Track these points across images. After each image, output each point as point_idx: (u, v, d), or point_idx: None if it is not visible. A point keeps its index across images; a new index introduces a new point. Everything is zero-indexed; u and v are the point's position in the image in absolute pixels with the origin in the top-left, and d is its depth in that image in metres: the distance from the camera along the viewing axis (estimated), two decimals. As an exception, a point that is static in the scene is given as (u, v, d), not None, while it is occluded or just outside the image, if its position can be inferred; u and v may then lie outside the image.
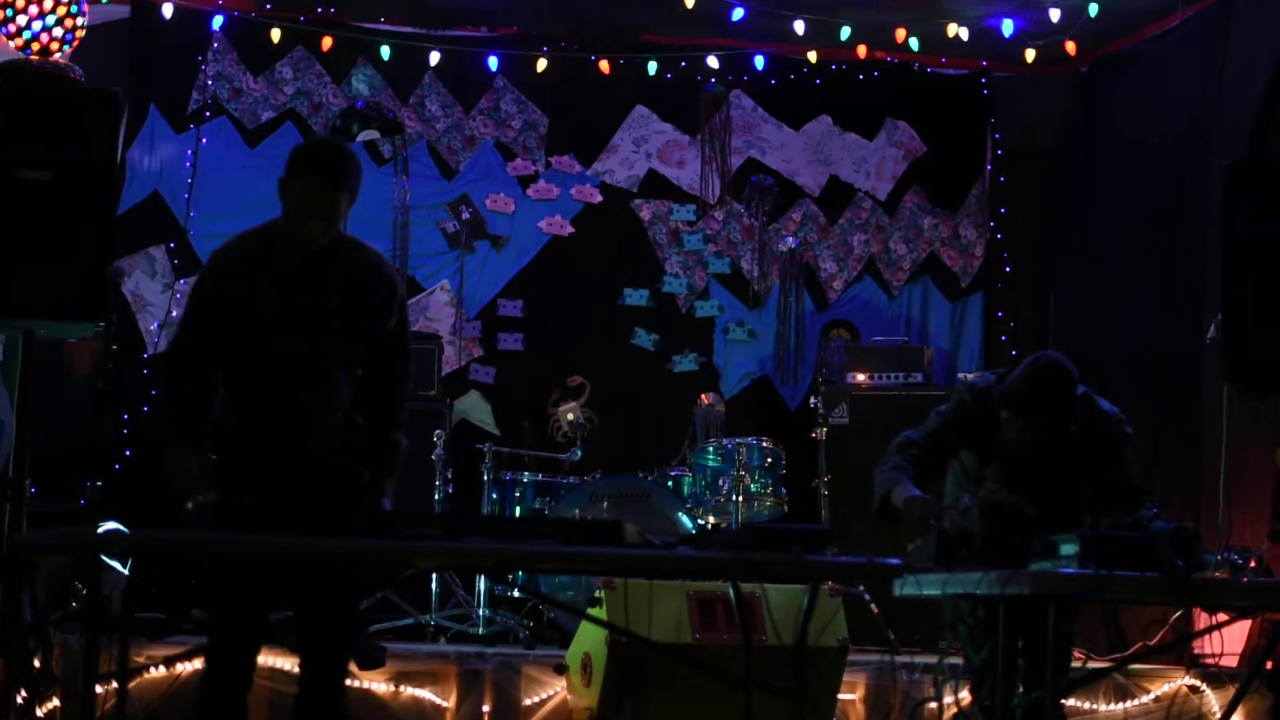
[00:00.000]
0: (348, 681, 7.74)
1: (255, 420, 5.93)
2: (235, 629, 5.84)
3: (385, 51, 11.38)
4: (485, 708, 8.00)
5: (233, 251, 6.06)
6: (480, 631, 9.30)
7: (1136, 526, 6.14)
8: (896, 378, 10.80)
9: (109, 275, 6.90)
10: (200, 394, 5.97)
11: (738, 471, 9.99)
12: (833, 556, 5.54)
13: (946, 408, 7.01)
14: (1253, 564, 8.24)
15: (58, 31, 9.70)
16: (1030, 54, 11.39)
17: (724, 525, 9.93)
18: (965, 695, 6.86)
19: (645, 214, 11.86)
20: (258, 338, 5.92)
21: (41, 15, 9.63)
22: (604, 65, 11.64)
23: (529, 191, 11.69)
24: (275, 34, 11.16)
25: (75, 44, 9.81)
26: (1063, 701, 6.73)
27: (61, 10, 9.68)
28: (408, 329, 6.29)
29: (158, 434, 6.11)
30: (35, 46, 9.65)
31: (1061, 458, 6.74)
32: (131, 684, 7.16)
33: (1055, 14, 10.80)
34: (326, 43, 11.27)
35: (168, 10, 10.86)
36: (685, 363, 11.75)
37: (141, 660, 7.47)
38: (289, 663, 7.68)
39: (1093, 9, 10.67)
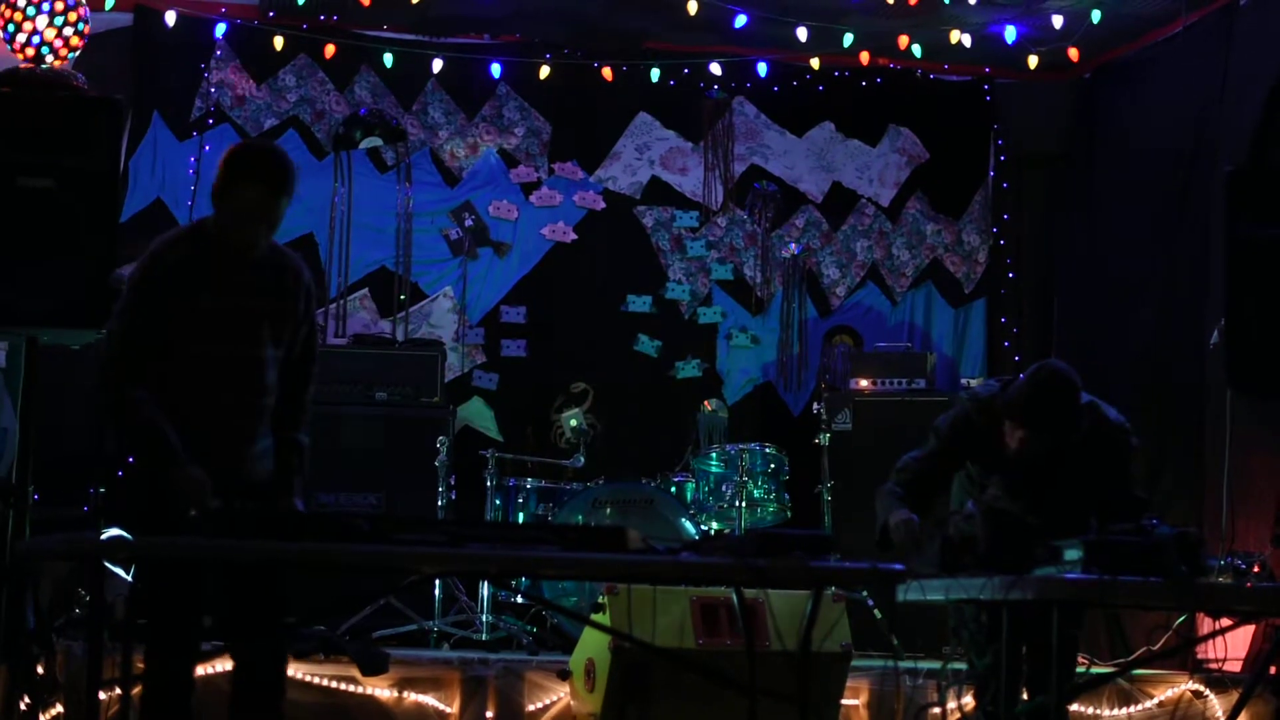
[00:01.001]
0: (353, 688, 7.81)
1: (190, 425, 5.89)
2: (180, 635, 5.81)
3: (388, 59, 11.39)
4: (489, 714, 8.00)
5: (169, 256, 6.00)
6: (483, 637, 9.29)
7: (1140, 531, 6.14)
8: (899, 384, 10.79)
9: (112, 283, 6.90)
10: (158, 405, 5.91)
11: (741, 477, 9.99)
12: (836, 562, 5.53)
13: (945, 424, 7.01)
14: (1256, 569, 8.23)
15: (61, 38, 9.71)
16: (1033, 60, 11.39)
17: (727, 531, 9.93)
18: (969, 700, 6.86)
19: (648, 220, 11.87)
20: (192, 344, 5.89)
21: (45, 22, 9.64)
22: (607, 72, 11.64)
23: (532, 198, 11.70)
24: (278, 41, 11.16)
25: (78, 51, 9.82)
26: (1068, 707, 6.73)
27: (65, 18, 9.69)
28: (317, 332, 6.27)
29: (130, 458, 6.05)
30: (38, 53, 9.66)
31: (1066, 466, 6.74)
32: (134, 690, 7.16)
33: (1058, 20, 10.80)
34: (329, 50, 11.26)
35: (170, 18, 10.87)
36: (688, 369, 11.75)
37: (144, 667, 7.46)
38: (292, 668, 7.69)
39: (1095, 16, 10.67)
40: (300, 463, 6.14)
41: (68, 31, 9.74)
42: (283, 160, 6.00)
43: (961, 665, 7.00)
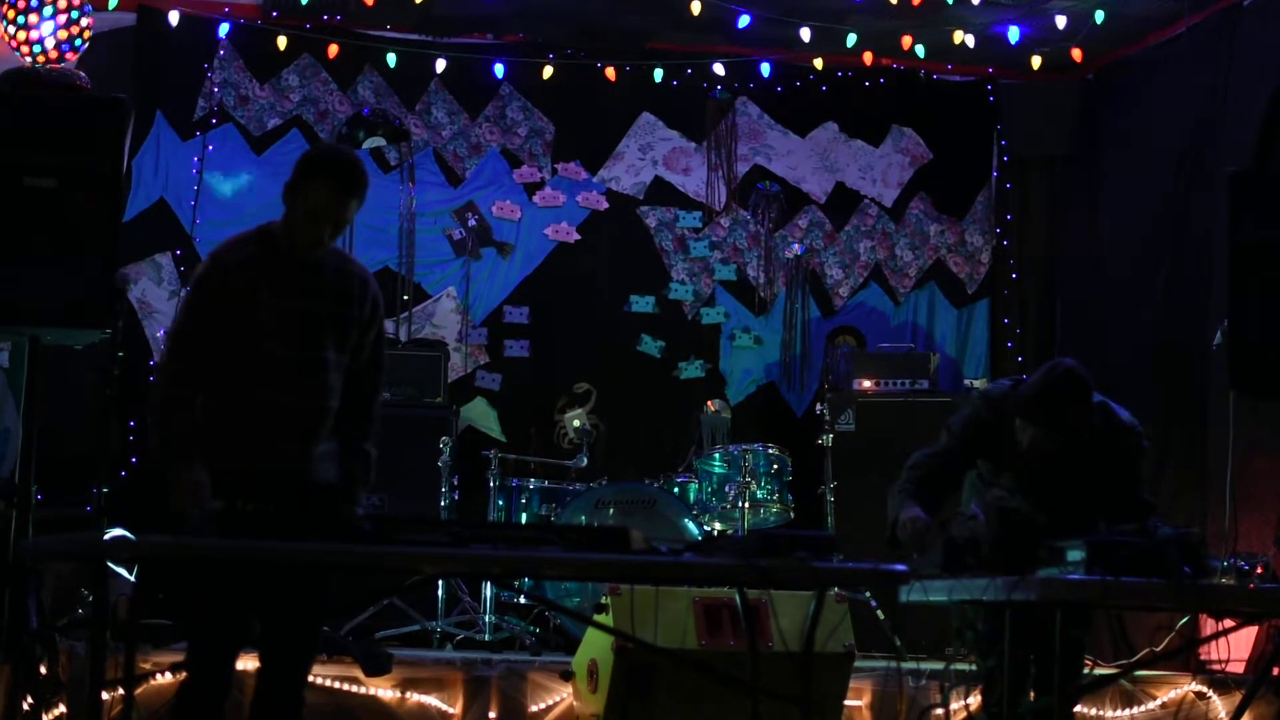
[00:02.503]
0: (356, 688, 7.81)
1: (246, 427, 5.89)
2: (218, 635, 5.80)
3: (391, 59, 11.39)
4: (491, 714, 8.00)
5: (232, 255, 6.00)
6: (486, 638, 9.30)
7: (1143, 532, 6.14)
8: (902, 384, 10.79)
9: (115, 282, 6.90)
10: (195, 407, 5.92)
11: (744, 478, 9.99)
12: (839, 563, 5.53)
13: (958, 422, 7.00)
14: (1259, 570, 8.21)
15: (64, 38, 9.72)
16: (1036, 61, 11.40)
17: (730, 531, 9.93)
18: (976, 700, 6.86)
19: (651, 221, 11.87)
20: (254, 344, 5.89)
21: (48, 23, 9.65)
22: (610, 72, 11.64)
23: (535, 198, 11.69)
24: (281, 41, 11.16)
25: (82, 51, 9.83)
26: (1073, 708, 6.74)
27: (68, 18, 9.70)
28: (385, 342, 6.26)
29: (155, 450, 6.05)
30: (42, 53, 9.67)
31: (1076, 466, 6.73)
32: (137, 690, 7.17)
33: (1061, 21, 10.81)
34: (333, 50, 11.27)
35: (174, 17, 10.88)
36: (691, 369, 11.75)
37: (148, 667, 7.48)
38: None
39: (1098, 16, 10.67)
40: (364, 472, 6.11)
41: (71, 31, 9.75)
42: (356, 163, 5.99)
43: (965, 666, 7.00)
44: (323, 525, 5.22)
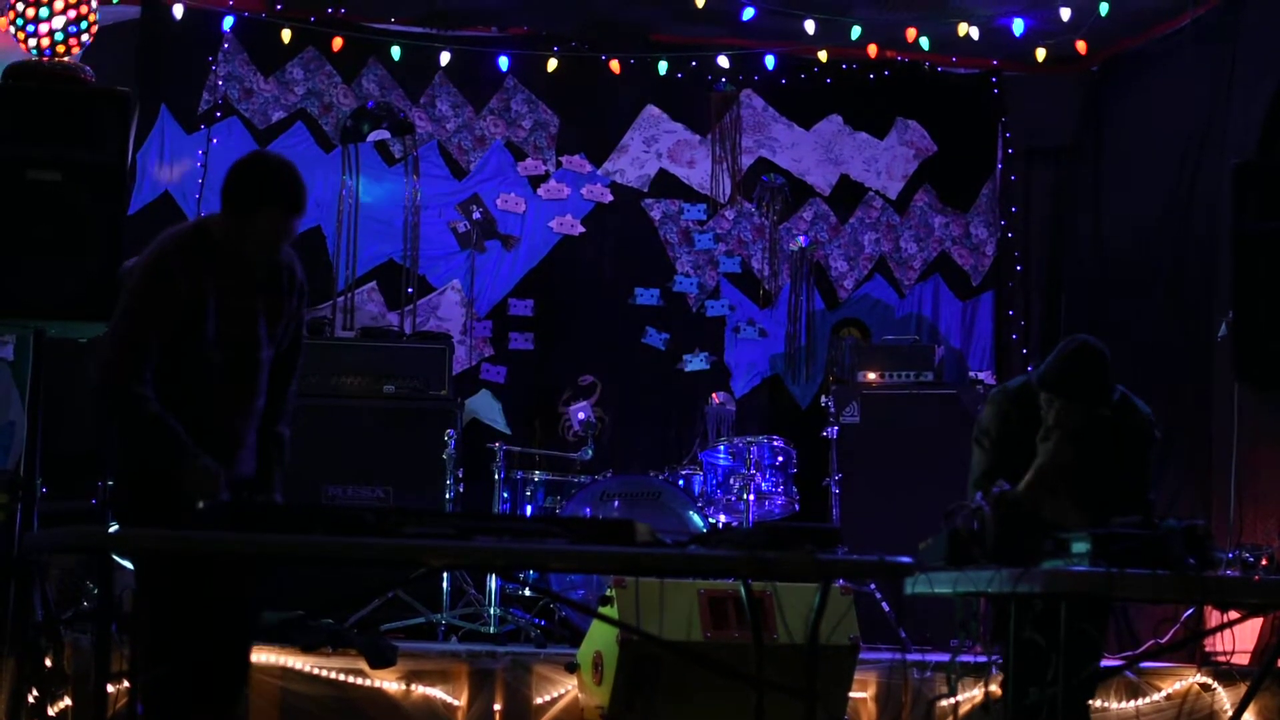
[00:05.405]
0: (360, 681, 7.82)
1: (186, 427, 5.85)
2: (187, 629, 5.80)
3: (396, 52, 11.39)
4: (496, 706, 8.00)
5: (174, 256, 5.91)
6: (491, 630, 9.30)
7: (1148, 525, 6.13)
8: (907, 376, 10.79)
9: (120, 276, 6.90)
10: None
11: (749, 470, 9.99)
12: (844, 555, 5.53)
13: (985, 435, 6.96)
14: (1264, 562, 8.21)
15: (69, 31, 9.71)
16: (1041, 53, 11.38)
17: (735, 524, 9.93)
18: (995, 689, 6.86)
19: (656, 213, 11.87)
20: (195, 346, 5.86)
21: (53, 16, 9.65)
22: (614, 65, 11.63)
23: (540, 191, 11.70)
24: (286, 34, 11.17)
25: (86, 44, 9.82)
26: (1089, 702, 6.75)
27: (73, 11, 9.69)
28: (304, 325, 6.25)
29: (134, 454, 6.02)
30: (46, 46, 9.66)
31: (1097, 451, 6.74)
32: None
33: (1065, 13, 10.79)
34: (337, 43, 11.27)
35: (178, 11, 10.89)
36: (696, 362, 11.75)
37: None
38: (300, 661, 7.70)
39: (1103, 8, 10.66)
40: (281, 455, 6.12)
41: (76, 24, 9.74)
42: (300, 184, 5.92)
43: (970, 657, 6.99)
44: (326, 518, 5.22)
